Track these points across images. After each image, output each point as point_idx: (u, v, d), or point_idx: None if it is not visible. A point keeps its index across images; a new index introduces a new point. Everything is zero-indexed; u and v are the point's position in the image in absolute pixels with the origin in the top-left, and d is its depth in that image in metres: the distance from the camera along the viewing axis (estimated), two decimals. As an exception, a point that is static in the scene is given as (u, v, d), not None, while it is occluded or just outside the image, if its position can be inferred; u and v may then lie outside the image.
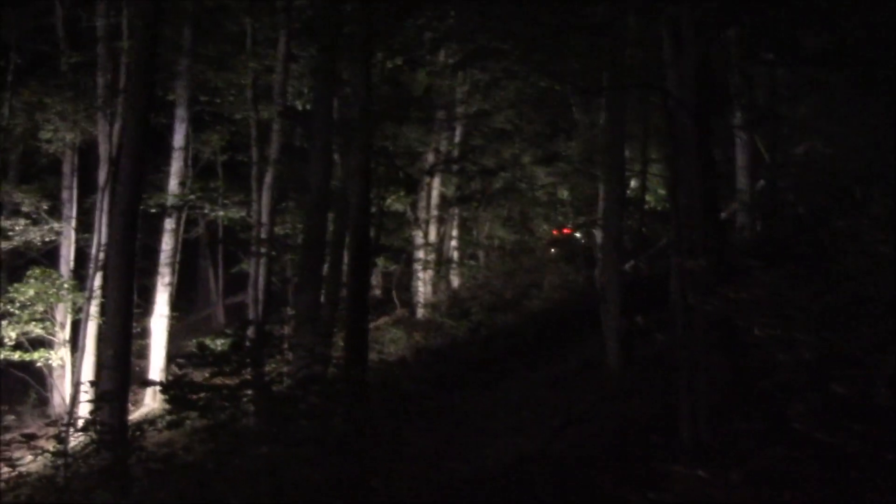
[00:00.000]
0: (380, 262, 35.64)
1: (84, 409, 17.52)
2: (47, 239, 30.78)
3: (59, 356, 28.32)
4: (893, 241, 8.53)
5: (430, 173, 32.47)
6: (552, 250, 34.52)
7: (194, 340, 25.78)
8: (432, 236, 33.75)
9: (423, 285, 33.40)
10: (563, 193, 33.83)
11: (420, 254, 33.67)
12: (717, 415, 11.90)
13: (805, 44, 16.38)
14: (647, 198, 28.20)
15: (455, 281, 34.91)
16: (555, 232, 35.08)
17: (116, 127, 25.23)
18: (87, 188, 30.52)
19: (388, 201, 32.21)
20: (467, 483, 13.81)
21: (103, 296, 23.07)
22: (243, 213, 33.34)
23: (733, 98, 24.62)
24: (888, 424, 8.41)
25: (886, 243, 8.60)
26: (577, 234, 31.53)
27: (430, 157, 32.93)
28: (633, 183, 28.86)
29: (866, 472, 8.53)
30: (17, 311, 26.88)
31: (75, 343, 26.79)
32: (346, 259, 21.25)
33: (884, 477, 8.43)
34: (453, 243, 34.51)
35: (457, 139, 33.39)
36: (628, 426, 15.12)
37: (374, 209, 24.94)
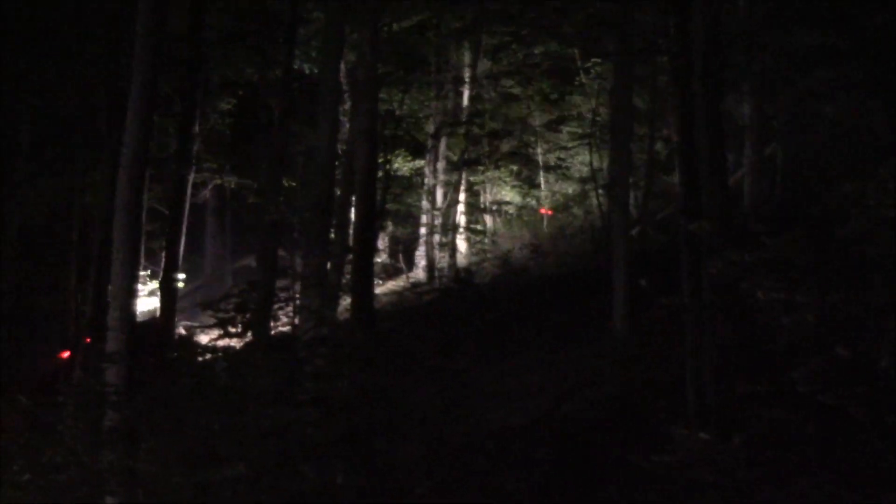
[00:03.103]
0: (387, 225, 35.66)
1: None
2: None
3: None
4: (899, 205, 8.52)
5: (437, 136, 32.41)
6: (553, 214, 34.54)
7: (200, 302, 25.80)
8: (439, 201, 33.68)
9: (429, 250, 33.38)
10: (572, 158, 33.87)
11: (426, 218, 33.63)
12: (721, 378, 11.93)
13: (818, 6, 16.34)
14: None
15: (462, 246, 34.86)
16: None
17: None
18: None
19: (395, 165, 32.23)
20: (473, 445, 13.87)
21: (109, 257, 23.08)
22: (249, 180, 33.38)
23: (742, 62, 24.53)
24: (892, 387, 8.43)
25: (892, 208, 8.59)
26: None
27: (437, 121, 32.84)
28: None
29: (870, 435, 8.56)
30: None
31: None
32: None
33: (887, 440, 8.46)
34: (460, 208, 34.42)
35: (464, 102, 33.26)
36: (634, 390, 15.18)
37: (380, 173, 24.97)
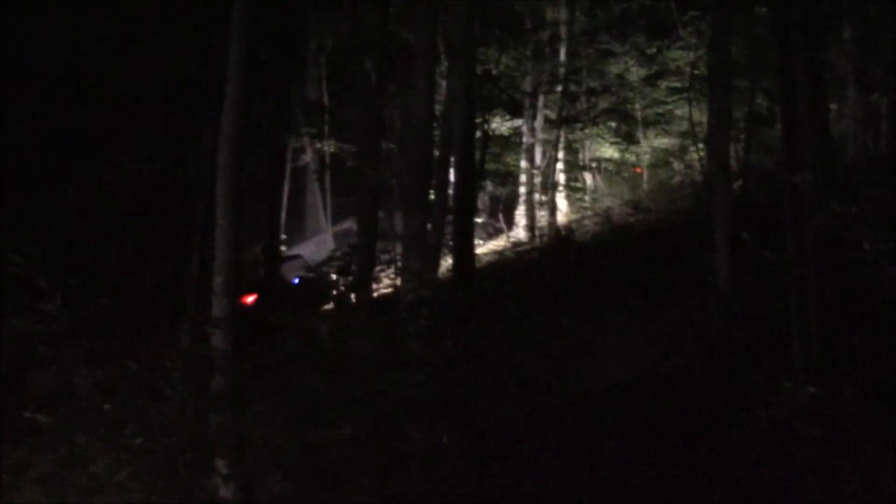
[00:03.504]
0: (486, 185, 35.66)
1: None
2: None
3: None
4: None
5: (535, 94, 32.25)
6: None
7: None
8: (538, 160, 33.56)
9: (529, 209, 33.30)
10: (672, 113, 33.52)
11: (525, 177, 33.54)
12: (827, 332, 11.78)
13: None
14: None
15: (562, 204, 34.72)
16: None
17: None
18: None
19: (493, 125, 32.17)
20: (574, 405, 13.88)
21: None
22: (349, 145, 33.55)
23: (844, 11, 24.06)
24: None
25: None
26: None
27: (534, 79, 32.66)
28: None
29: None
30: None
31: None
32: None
33: None
34: (559, 166, 34.24)
35: (561, 59, 33.02)
36: (738, 346, 15.04)
37: (478, 133, 24.93)
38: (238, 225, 12.94)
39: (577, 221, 32.79)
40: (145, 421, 10.17)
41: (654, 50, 32.40)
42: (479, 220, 32.63)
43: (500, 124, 33.63)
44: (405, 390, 10.46)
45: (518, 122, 33.86)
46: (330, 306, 25.87)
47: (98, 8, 27.29)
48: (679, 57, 32.00)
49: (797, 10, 12.97)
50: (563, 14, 32.85)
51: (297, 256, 34.44)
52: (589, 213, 33.45)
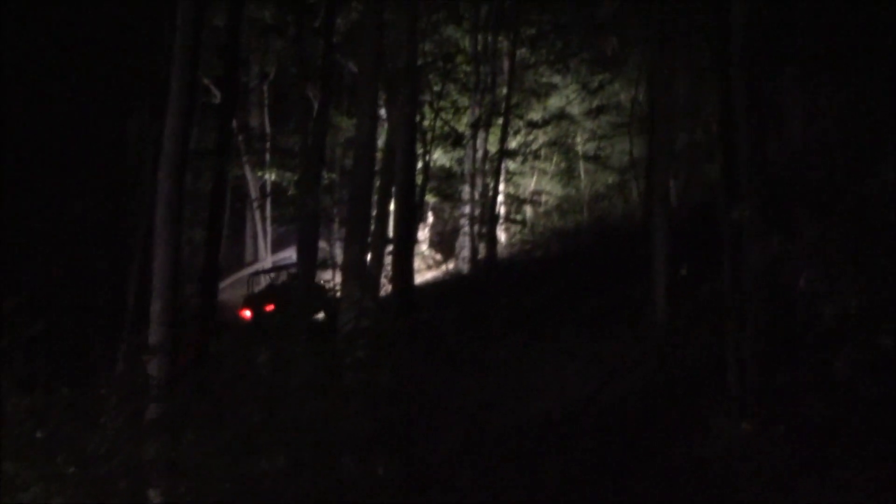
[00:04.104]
0: (427, 216, 35.72)
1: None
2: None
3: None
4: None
5: (476, 126, 32.35)
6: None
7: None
8: (479, 192, 33.66)
9: (470, 240, 33.35)
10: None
11: (466, 209, 33.61)
12: (762, 367, 11.87)
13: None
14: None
15: (502, 237, 34.82)
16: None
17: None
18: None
19: (435, 156, 32.21)
20: (512, 435, 13.87)
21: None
22: (289, 173, 33.47)
23: (783, 47, 24.32)
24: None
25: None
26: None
27: (476, 111, 32.76)
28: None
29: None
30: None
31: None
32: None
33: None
34: (500, 198, 34.36)
35: (503, 92, 33.18)
36: (674, 378, 15.12)
37: (419, 164, 24.96)
38: (177, 252, 12.86)
39: (517, 253, 32.88)
40: (78, 449, 10.02)
41: (595, 84, 32.69)
42: (421, 251, 32.64)
43: (442, 155, 33.69)
44: (342, 420, 10.40)
45: (460, 153, 33.93)
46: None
47: (34, 28, 27.02)
48: (620, 91, 32.31)
49: (737, 46, 13.10)
50: (505, 47, 33.03)
51: (292, 265, 34.72)
52: (528, 245, 33.55)
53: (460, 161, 34.21)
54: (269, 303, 28.62)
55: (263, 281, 34.83)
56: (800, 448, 9.19)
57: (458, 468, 12.12)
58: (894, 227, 8.85)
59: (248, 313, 29.46)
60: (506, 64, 32.86)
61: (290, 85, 30.92)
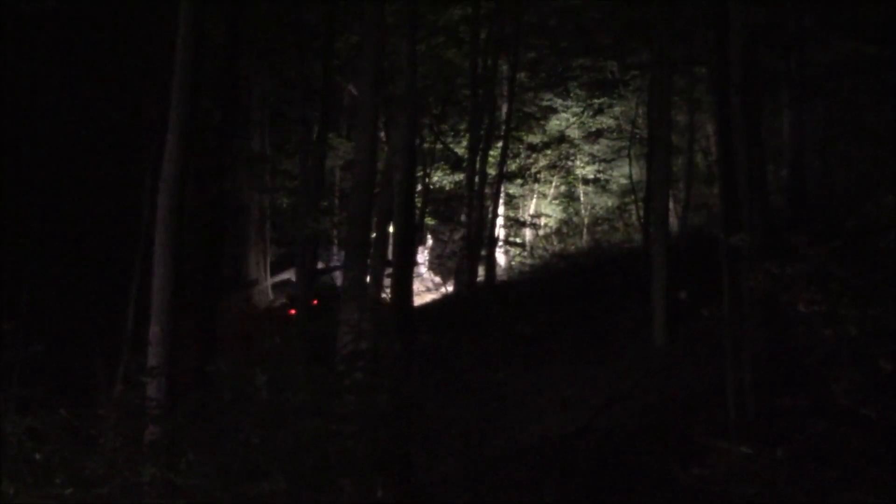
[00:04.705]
0: (427, 239, 35.76)
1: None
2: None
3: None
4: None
5: (475, 149, 32.40)
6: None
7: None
8: (476, 214, 33.67)
9: (470, 263, 33.34)
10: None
11: (465, 232, 33.61)
12: (762, 391, 11.87)
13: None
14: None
15: (501, 259, 34.85)
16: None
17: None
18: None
19: (434, 178, 32.27)
20: (511, 458, 13.85)
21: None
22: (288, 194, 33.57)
23: (781, 74, 24.42)
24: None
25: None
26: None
27: (474, 135, 32.81)
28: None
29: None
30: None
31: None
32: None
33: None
34: (499, 221, 34.38)
35: (503, 116, 33.25)
36: (673, 402, 15.11)
37: (419, 186, 24.99)
38: (175, 273, 12.87)
39: (517, 276, 32.89)
40: (77, 470, 10.01)
41: (594, 108, 32.81)
42: (420, 273, 32.65)
43: (442, 178, 33.75)
44: (340, 443, 10.40)
45: (460, 175, 33.97)
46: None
47: (37, 51, 27.08)
48: (619, 115, 32.42)
49: (736, 72, 13.14)
50: (505, 70, 33.11)
51: (335, 267, 35.23)
52: (527, 268, 33.57)
53: (459, 184, 34.24)
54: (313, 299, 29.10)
55: None
56: (799, 471, 9.18)
57: (456, 491, 12.09)
58: (893, 251, 8.86)
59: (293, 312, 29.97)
60: (505, 87, 32.95)
61: (291, 107, 30.99)
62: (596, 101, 33.30)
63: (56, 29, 26.97)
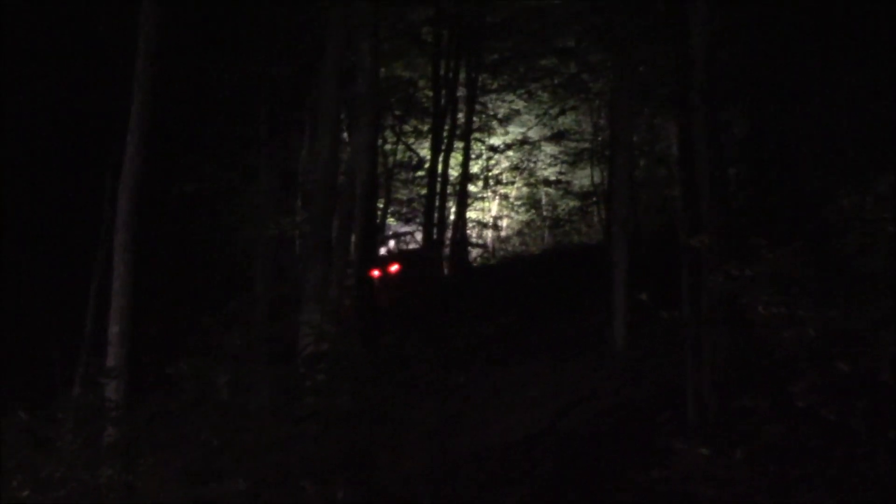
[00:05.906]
0: (388, 240, 35.71)
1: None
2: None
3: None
4: (897, 220, 8.54)
5: (437, 151, 32.42)
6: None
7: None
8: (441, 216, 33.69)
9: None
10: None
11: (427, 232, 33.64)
12: (722, 392, 11.91)
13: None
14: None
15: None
16: None
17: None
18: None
19: (397, 183, 32.26)
20: (473, 460, 13.86)
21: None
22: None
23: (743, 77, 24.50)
24: (892, 402, 8.43)
25: (891, 222, 8.60)
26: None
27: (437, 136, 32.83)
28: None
29: (870, 450, 8.55)
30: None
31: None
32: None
33: (887, 454, 8.45)
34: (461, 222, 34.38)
35: (465, 117, 33.26)
36: (633, 404, 15.16)
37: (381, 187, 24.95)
38: (135, 274, 12.80)
39: (479, 277, 32.90)
40: (34, 472, 9.95)
41: (556, 109, 32.86)
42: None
43: (404, 181, 33.75)
44: (301, 444, 10.37)
45: (422, 178, 33.97)
46: None
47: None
48: (581, 116, 32.50)
49: (698, 78, 13.17)
50: (463, 72, 33.09)
51: (405, 233, 35.76)
52: (490, 269, 33.61)
53: (422, 185, 34.25)
54: (393, 263, 30.33)
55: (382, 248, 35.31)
56: (758, 472, 9.21)
57: (418, 492, 12.09)
58: (851, 253, 8.92)
59: (376, 273, 29.82)
60: (468, 89, 32.97)
61: (253, 106, 30.83)
62: (559, 103, 33.33)
63: (17, 27, 26.82)
